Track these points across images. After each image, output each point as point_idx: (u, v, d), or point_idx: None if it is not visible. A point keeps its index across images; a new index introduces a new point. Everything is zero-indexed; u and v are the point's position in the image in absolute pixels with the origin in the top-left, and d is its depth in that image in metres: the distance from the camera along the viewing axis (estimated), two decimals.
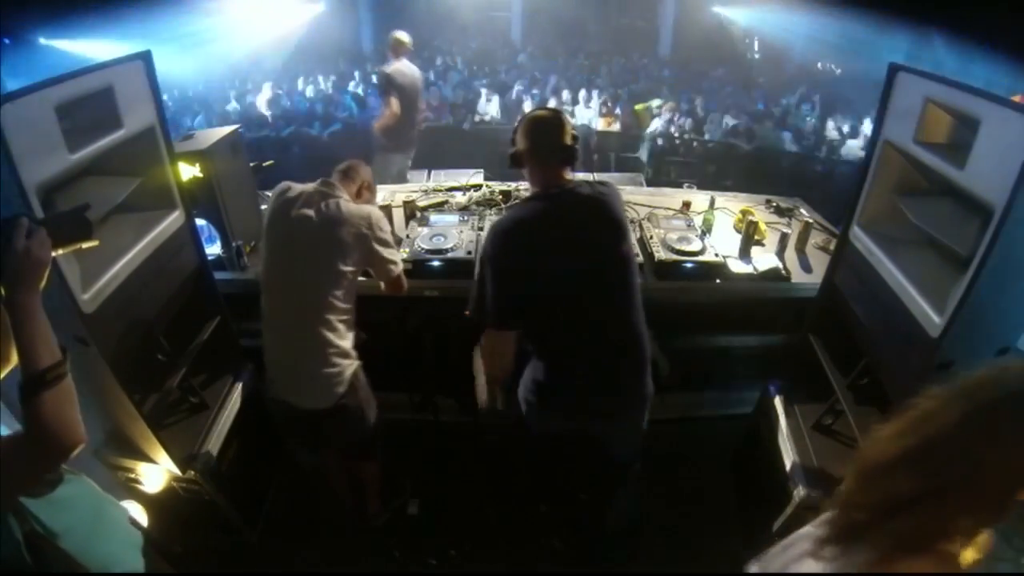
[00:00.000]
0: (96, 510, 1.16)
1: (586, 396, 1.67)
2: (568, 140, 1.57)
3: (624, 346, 1.65)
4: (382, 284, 1.92)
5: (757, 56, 9.12)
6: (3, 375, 1.05)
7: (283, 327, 1.75)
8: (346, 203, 1.74)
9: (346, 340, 1.79)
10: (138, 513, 1.58)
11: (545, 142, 1.56)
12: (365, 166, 1.93)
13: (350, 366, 1.79)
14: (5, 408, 1.46)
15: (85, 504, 1.13)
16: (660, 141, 5.87)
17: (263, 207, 2.69)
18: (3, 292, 0.92)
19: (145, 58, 1.55)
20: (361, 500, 2.23)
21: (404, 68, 4.03)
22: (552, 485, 2.13)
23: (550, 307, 1.59)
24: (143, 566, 1.22)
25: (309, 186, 1.76)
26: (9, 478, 0.92)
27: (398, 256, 1.88)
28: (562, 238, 1.54)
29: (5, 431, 1.30)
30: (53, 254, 0.98)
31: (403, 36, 4.03)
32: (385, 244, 1.80)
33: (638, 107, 6.24)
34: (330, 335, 1.72)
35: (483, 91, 6.94)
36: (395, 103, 3.99)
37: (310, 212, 1.69)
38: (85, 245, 1.08)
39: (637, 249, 2.33)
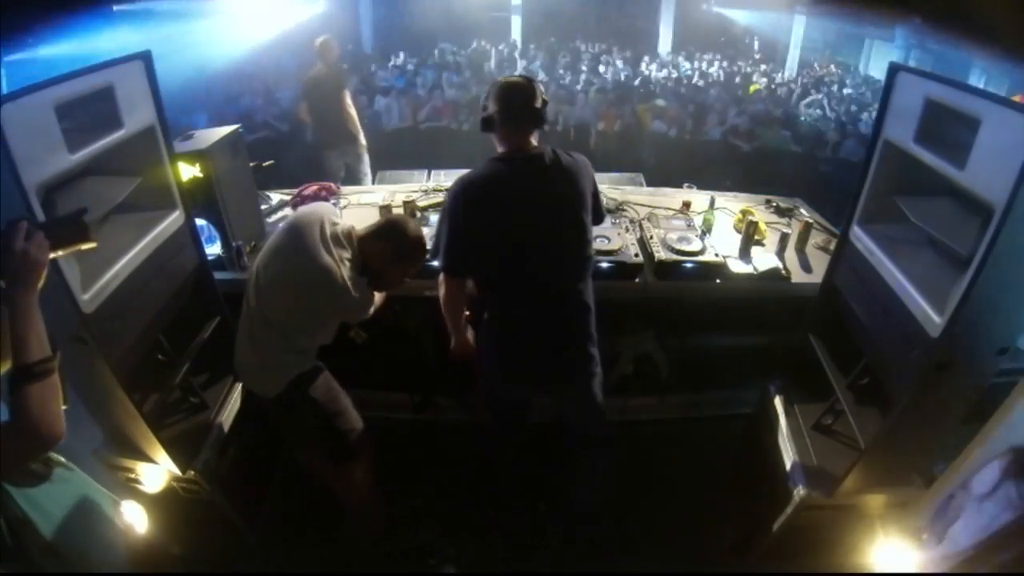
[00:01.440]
0: (83, 504, 1.20)
1: (529, 358, 1.76)
2: (538, 104, 1.62)
3: (570, 312, 1.73)
4: None
5: (758, 56, 9.12)
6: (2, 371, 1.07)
7: (248, 325, 1.77)
8: (343, 272, 1.65)
9: (300, 354, 1.80)
10: (138, 513, 1.58)
11: (515, 106, 1.62)
12: (407, 235, 1.77)
13: (296, 369, 1.79)
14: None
15: (72, 497, 1.17)
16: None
17: (263, 207, 2.69)
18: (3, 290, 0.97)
19: (145, 58, 1.55)
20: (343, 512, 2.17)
21: (316, 72, 4.29)
22: (527, 469, 2.16)
23: (499, 265, 1.67)
24: (124, 563, 1.26)
25: (340, 227, 1.72)
26: None
27: (367, 312, 1.81)
28: (519, 201, 1.62)
29: None
30: (52, 255, 1.03)
31: (318, 40, 4.28)
32: (350, 311, 1.75)
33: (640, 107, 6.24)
34: (283, 352, 1.76)
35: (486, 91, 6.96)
36: (301, 106, 4.58)
37: (311, 263, 1.64)
38: (84, 247, 1.12)
39: (632, 244, 2.34)
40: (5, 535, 1.01)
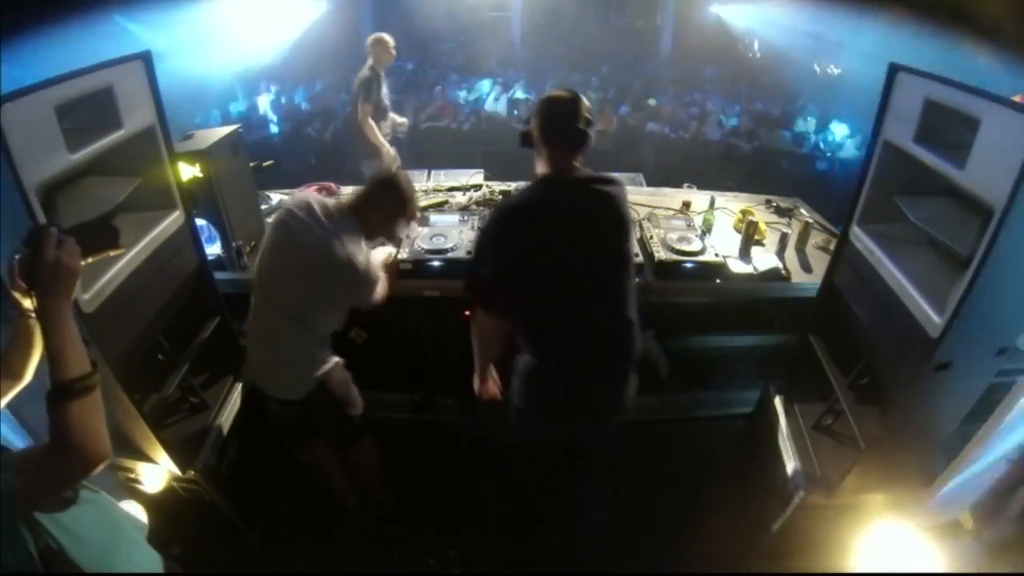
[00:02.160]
0: (113, 528, 1.14)
1: (572, 394, 1.67)
2: (582, 124, 1.53)
3: (614, 345, 1.65)
4: None
5: (758, 56, 9.12)
6: (15, 392, 1.04)
7: (264, 327, 1.80)
8: (342, 246, 1.68)
9: (321, 346, 1.83)
10: (138, 513, 1.58)
11: (559, 125, 1.54)
12: (398, 188, 1.77)
13: (321, 366, 1.81)
14: (10, 422, 1.45)
15: (102, 522, 1.11)
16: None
17: (263, 207, 2.69)
18: (35, 303, 0.92)
19: (145, 58, 1.55)
20: (354, 493, 2.24)
21: (359, 72, 3.98)
22: (537, 481, 2.13)
23: (544, 296, 1.58)
24: None
25: (330, 203, 1.74)
26: (29, 489, 0.91)
27: (379, 293, 1.84)
28: (564, 228, 1.53)
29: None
30: (82, 263, 0.98)
31: (370, 38, 3.97)
32: (361, 288, 1.76)
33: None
34: (306, 344, 1.78)
35: (490, 91, 6.95)
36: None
37: (312, 243, 1.67)
38: (113, 253, 1.10)
39: (637, 249, 2.34)
40: (37, 565, 0.94)
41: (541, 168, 1.59)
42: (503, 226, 1.56)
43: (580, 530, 2.15)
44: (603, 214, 1.57)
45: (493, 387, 1.85)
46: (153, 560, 1.23)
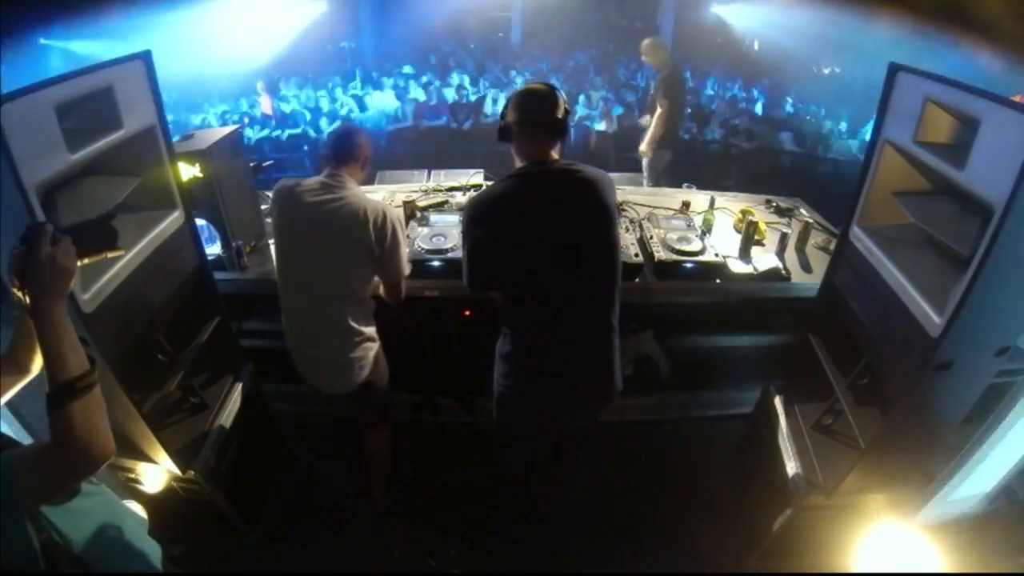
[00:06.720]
0: (114, 521, 1.14)
1: (554, 388, 1.68)
2: (560, 114, 1.54)
3: (597, 338, 1.64)
4: (382, 288, 1.95)
5: (758, 56, 9.13)
6: (23, 384, 1.05)
7: (307, 319, 1.85)
8: (360, 196, 1.76)
9: (370, 326, 1.90)
10: (138, 512, 1.58)
11: (535, 115, 1.54)
12: (361, 134, 1.88)
13: (372, 348, 1.91)
14: (7, 418, 1.46)
15: (103, 514, 1.11)
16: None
17: (263, 207, 2.69)
18: (28, 301, 0.90)
19: (145, 58, 1.55)
20: (368, 482, 2.26)
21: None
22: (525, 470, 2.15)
23: (520, 284, 1.59)
24: None
25: (314, 180, 1.79)
26: (34, 487, 0.90)
27: (406, 260, 1.90)
28: (538, 217, 1.52)
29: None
30: (79, 263, 0.96)
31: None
32: (397, 241, 1.81)
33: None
34: (354, 324, 1.83)
35: (489, 92, 6.95)
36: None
37: (324, 206, 1.72)
38: (111, 254, 1.07)
39: (632, 244, 2.33)
40: (39, 558, 0.93)
41: (519, 159, 1.60)
42: (474, 219, 1.56)
43: (567, 498, 2.17)
44: (579, 204, 1.55)
45: None
46: (154, 551, 1.23)
